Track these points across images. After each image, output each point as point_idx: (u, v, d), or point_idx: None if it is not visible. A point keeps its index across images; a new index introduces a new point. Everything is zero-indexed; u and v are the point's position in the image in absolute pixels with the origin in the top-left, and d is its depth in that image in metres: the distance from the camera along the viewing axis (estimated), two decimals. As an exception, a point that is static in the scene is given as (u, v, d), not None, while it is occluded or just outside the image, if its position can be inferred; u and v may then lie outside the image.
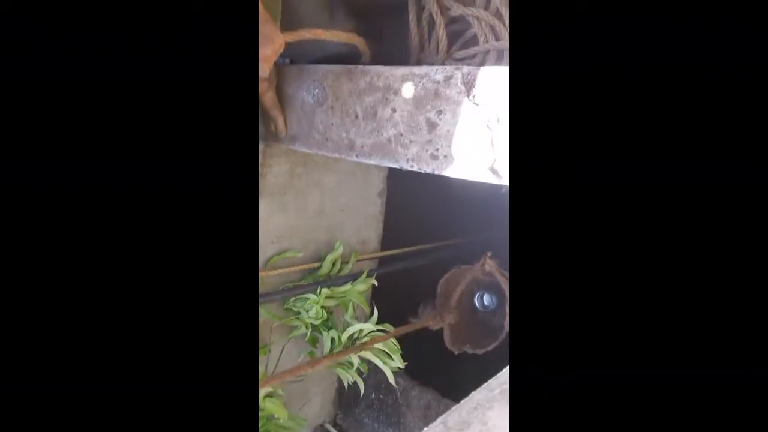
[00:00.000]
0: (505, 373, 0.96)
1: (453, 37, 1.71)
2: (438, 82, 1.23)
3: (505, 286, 1.87)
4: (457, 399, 2.43)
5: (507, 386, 0.88)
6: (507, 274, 1.92)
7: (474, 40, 1.67)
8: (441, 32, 1.67)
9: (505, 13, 1.53)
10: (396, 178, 2.65)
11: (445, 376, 2.46)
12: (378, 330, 1.89)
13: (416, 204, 2.82)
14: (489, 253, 1.94)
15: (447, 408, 2.28)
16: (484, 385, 0.91)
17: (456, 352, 2.01)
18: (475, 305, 2.04)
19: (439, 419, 0.82)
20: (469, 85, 1.19)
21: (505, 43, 1.59)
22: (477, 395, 0.87)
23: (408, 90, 1.29)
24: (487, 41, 1.62)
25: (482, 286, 2.05)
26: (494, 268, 1.89)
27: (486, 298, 2.04)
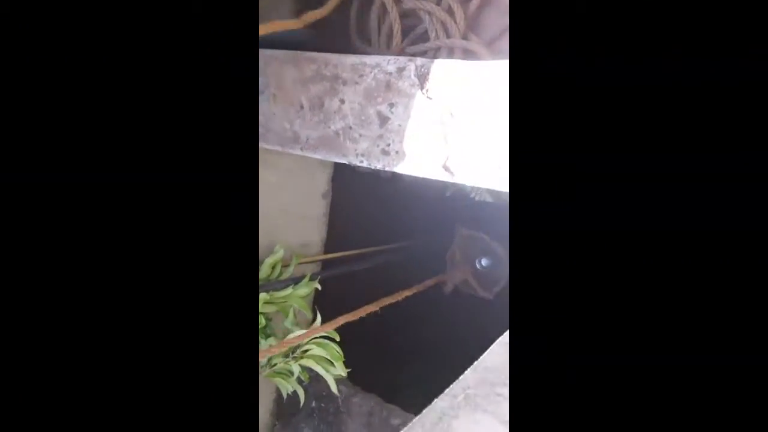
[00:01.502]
0: (467, 377, 0.90)
1: (403, 33, 1.66)
2: (390, 74, 1.17)
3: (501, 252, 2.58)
4: (401, 404, 2.36)
5: (472, 391, 0.83)
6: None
7: (425, 36, 1.63)
8: (396, 25, 1.61)
9: (457, 9, 1.50)
10: (341, 180, 2.57)
11: (386, 380, 2.39)
12: (321, 336, 1.79)
13: (361, 206, 2.75)
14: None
15: (391, 414, 2.20)
16: (447, 391, 0.85)
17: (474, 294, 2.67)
18: (476, 266, 2.70)
19: (402, 436, 0.75)
20: (422, 78, 1.13)
21: (456, 41, 1.56)
22: (440, 403, 0.81)
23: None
24: (438, 38, 1.59)
25: (480, 252, 2.68)
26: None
27: (483, 261, 2.68)
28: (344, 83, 1.23)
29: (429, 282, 2.28)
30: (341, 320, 1.68)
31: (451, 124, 1.10)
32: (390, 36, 1.62)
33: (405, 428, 0.73)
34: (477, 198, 2.36)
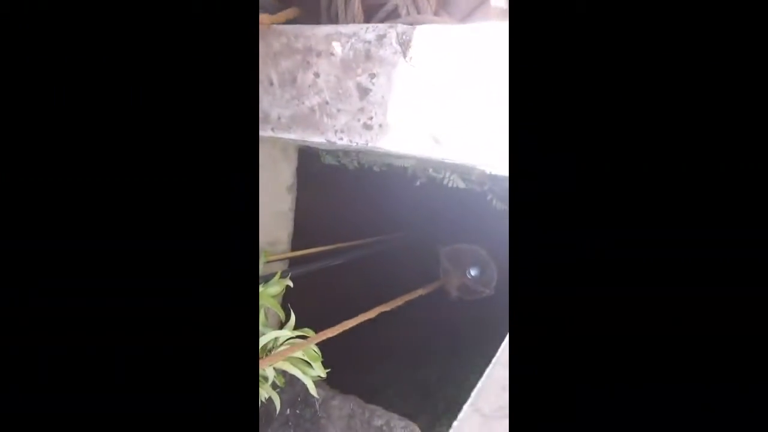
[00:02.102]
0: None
1: (371, 10, 1.58)
2: (369, 42, 1.08)
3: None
4: (382, 404, 2.27)
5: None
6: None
7: (395, 14, 1.55)
8: (357, 4, 1.53)
9: (430, -17, 1.43)
10: (307, 172, 2.45)
11: (364, 380, 2.30)
12: (297, 336, 1.67)
13: (330, 200, 2.64)
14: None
15: (373, 415, 2.10)
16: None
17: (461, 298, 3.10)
18: (466, 274, 3.11)
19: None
20: (405, 45, 1.05)
21: (427, 17, 1.49)
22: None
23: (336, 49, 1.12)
24: (408, 14, 1.51)
25: (470, 263, 3.08)
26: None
27: (473, 270, 3.08)
28: (318, 55, 1.13)
29: (430, 287, 2.27)
30: (345, 325, 1.59)
31: (437, 93, 1.02)
32: (357, 12, 1.53)
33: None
34: (450, 185, 2.30)
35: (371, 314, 1.74)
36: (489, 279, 3.02)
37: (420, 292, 2.29)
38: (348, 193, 2.68)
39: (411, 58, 1.04)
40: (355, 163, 2.55)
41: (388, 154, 2.49)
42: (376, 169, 2.55)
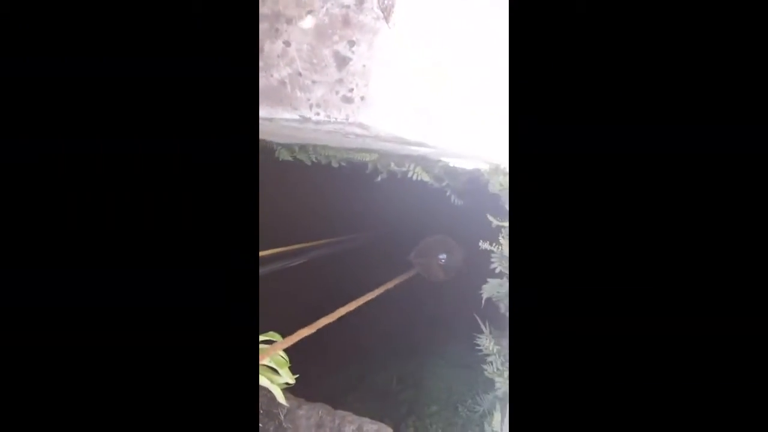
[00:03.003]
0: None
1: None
2: (347, 7, 0.98)
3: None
4: (352, 408, 2.15)
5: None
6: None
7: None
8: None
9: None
10: (263, 170, 2.31)
11: (330, 384, 2.17)
12: (264, 341, 1.53)
13: (290, 198, 2.50)
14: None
15: (344, 421, 1.98)
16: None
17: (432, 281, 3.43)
18: (438, 260, 3.55)
19: None
20: (387, 10, 0.97)
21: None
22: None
23: (307, 21, 1.02)
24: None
25: (440, 250, 3.52)
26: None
27: (442, 256, 3.48)
28: (288, 22, 1.03)
29: (404, 276, 2.28)
30: (321, 323, 1.47)
31: (425, 60, 0.94)
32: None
33: None
34: (415, 178, 2.24)
35: (345, 310, 1.64)
36: (458, 261, 3.50)
37: (396, 281, 2.25)
38: (306, 191, 2.55)
39: (394, 24, 0.95)
40: (313, 158, 2.43)
41: (347, 149, 2.40)
42: (335, 164, 2.44)
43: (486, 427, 2.16)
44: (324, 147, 2.37)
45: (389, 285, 2.17)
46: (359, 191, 2.38)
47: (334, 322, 1.97)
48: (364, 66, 0.98)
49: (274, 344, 1.49)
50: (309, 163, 2.49)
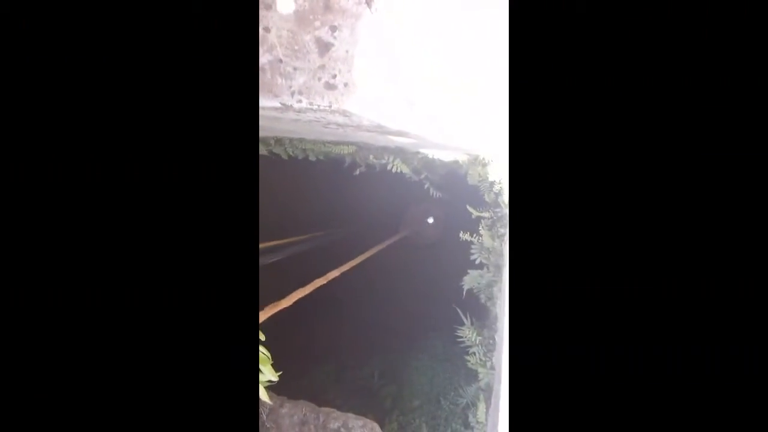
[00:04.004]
0: None
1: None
2: (328, -9, 0.96)
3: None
4: (335, 404, 2.12)
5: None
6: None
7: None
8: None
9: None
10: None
11: (312, 381, 2.14)
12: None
13: (270, 194, 2.45)
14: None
15: (328, 417, 1.96)
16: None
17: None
18: (426, 221, 4.05)
19: None
20: (369, -6, 0.95)
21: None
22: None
23: (287, 6, 0.98)
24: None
25: (427, 215, 4.05)
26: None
27: (429, 219, 3.99)
28: (267, 8, 0.99)
29: (391, 240, 2.33)
30: (295, 295, 1.45)
31: (408, 45, 0.93)
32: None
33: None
34: (395, 170, 2.22)
35: (337, 272, 1.62)
36: (441, 226, 3.86)
37: (384, 244, 2.28)
38: (283, 187, 2.50)
39: (376, 9, 0.93)
40: (290, 152, 2.39)
41: (324, 142, 2.36)
42: (312, 158, 2.40)
43: (470, 418, 2.17)
44: (301, 140, 2.33)
45: (373, 250, 2.17)
46: (337, 185, 2.35)
47: (313, 318, 1.94)
48: (347, 52, 0.95)
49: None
50: (285, 158, 2.45)
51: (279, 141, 2.39)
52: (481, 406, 2.06)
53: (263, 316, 1.44)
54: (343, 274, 2.23)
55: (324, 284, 2.02)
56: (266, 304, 1.93)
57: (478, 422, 2.10)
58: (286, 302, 1.73)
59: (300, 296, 1.59)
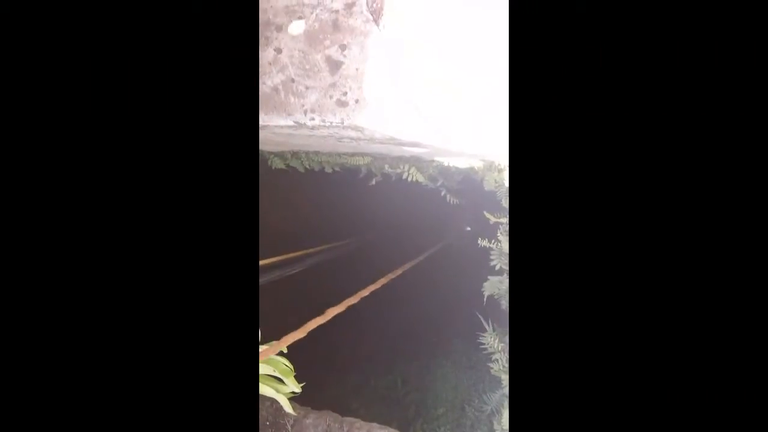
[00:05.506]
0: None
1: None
2: (336, 12, 0.98)
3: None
4: (359, 414, 2.14)
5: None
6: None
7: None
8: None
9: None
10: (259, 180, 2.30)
11: (335, 390, 2.16)
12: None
13: (286, 205, 2.49)
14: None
15: (352, 428, 1.97)
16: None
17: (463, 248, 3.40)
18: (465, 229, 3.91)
19: None
20: (376, 12, 0.97)
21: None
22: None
23: (297, 27, 1.01)
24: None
25: (464, 223, 3.94)
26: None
27: (468, 227, 3.78)
28: (278, 29, 1.02)
29: (433, 250, 2.34)
30: (331, 312, 1.46)
31: (416, 59, 0.94)
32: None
33: None
34: (411, 179, 2.24)
35: (355, 299, 1.63)
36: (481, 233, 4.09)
37: (425, 255, 2.31)
38: (301, 199, 2.54)
39: (384, 26, 0.95)
40: (306, 165, 2.42)
41: (339, 154, 2.39)
42: (328, 170, 2.43)
43: (495, 425, 2.15)
44: (316, 153, 2.37)
45: (414, 261, 2.18)
46: (354, 196, 2.37)
47: (335, 327, 1.95)
48: (356, 69, 0.97)
49: (267, 347, 1.48)
50: (302, 170, 2.48)
51: (295, 154, 2.43)
52: (506, 413, 2.04)
53: (301, 333, 1.46)
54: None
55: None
56: (290, 315, 1.96)
57: (503, 429, 2.08)
58: (321, 319, 1.75)
59: (336, 313, 1.61)
